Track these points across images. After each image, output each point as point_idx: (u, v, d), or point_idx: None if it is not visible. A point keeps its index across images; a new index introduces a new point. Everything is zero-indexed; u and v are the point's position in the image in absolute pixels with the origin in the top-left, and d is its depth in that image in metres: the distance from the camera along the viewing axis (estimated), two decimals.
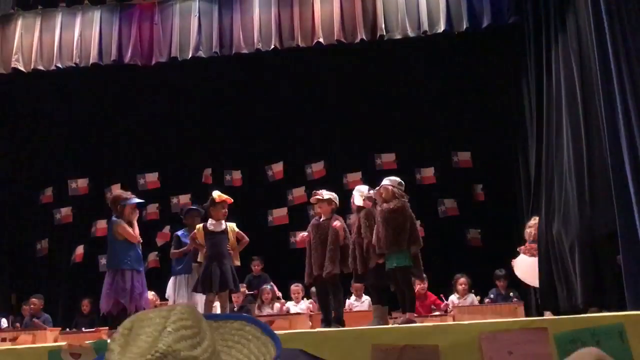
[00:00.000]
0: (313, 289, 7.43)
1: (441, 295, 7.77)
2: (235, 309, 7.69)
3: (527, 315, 6.80)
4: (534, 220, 6.88)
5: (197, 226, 6.43)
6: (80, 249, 9.66)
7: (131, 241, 6.19)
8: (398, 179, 5.85)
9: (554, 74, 6.88)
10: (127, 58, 8.46)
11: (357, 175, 9.16)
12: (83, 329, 7.76)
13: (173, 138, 9.99)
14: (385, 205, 5.65)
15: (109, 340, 1.03)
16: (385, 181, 5.80)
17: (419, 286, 7.40)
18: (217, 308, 6.20)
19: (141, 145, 10.02)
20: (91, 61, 8.44)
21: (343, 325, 5.62)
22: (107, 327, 6.39)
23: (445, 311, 7.33)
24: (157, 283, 7.59)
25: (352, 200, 6.07)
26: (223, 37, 8.38)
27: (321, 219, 6.06)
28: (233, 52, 8.39)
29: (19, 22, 8.60)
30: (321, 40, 8.15)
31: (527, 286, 7.36)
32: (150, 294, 7.12)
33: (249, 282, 8.61)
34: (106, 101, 10.05)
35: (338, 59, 9.24)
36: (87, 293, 8.92)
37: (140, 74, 9.12)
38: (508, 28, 8.12)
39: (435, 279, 7.74)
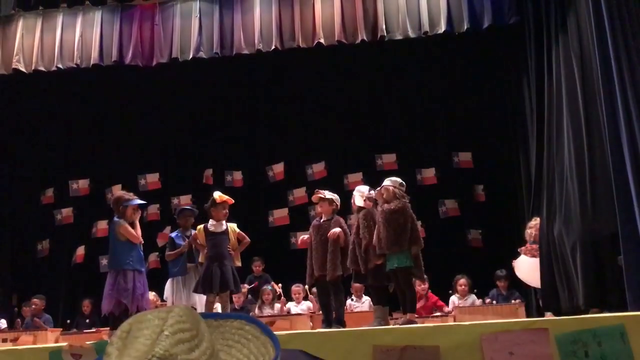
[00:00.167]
0: (314, 289, 7.42)
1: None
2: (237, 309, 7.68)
3: (528, 316, 6.80)
4: (535, 221, 6.88)
5: (198, 227, 6.44)
6: (81, 250, 9.67)
7: (133, 242, 6.19)
8: (399, 180, 5.85)
9: (554, 74, 6.88)
10: (128, 59, 8.47)
11: (358, 175, 9.16)
12: (84, 330, 7.77)
13: (174, 139, 9.99)
14: (386, 205, 5.65)
15: (108, 343, 1.02)
16: (386, 182, 5.79)
17: (420, 287, 7.40)
18: (217, 309, 6.20)
19: (142, 146, 10.02)
20: (92, 62, 8.45)
21: (344, 326, 5.62)
22: (107, 328, 6.40)
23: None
24: (158, 284, 7.59)
25: (352, 201, 6.06)
26: (224, 37, 8.39)
27: (322, 220, 6.07)
28: (234, 52, 8.40)
29: (20, 23, 8.61)
30: (322, 41, 8.16)
31: (528, 287, 7.35)
32: (151, 295, 7.12)
33: (250, 282, 8.61)
34: (107, 102, 10.05)
35: (339, 59, 9.24)
36: (88, 294, 8.93)
37: (141, 75, 9.13)
38: (509, 28, 8.12)
39: (436, 279, 7.74)
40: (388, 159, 9.43)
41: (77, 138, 10.26)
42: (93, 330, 7.43)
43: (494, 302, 7.59)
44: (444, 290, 7.91)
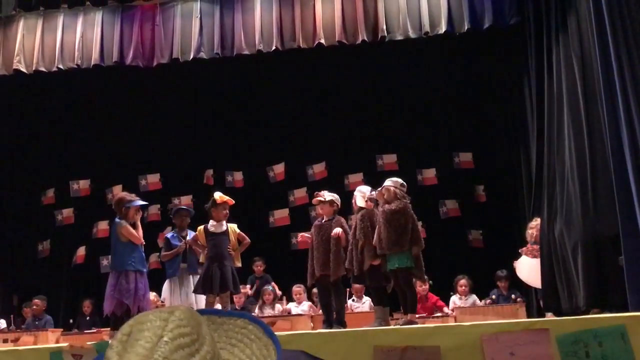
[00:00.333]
0: (314, 290, 7.42)
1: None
2: (237, 310, 7.68)
3: (528, 316, 6.79)
4: (536, 222, 6.87)
5: (199, 228, 6.44)
6: (81, 250, 9.68)
7: (135, 243, 6.20)
8: (400, 180, 5.85)
9: (555, 74, 6.87)
10: (128, 59, 8.47)
11: (359, 176, 9.16)
12: (84, 330, 7.77)
13: (174, 139, 9.99)
14: (387, 206, 5.65)
15: (109, 344, 1.02)
16: (387, 182, 5.79)
17: (421, 287, 7.39)
18: None
19: (142, 146, 10.02)
20: (93, 62, 8.46)
21: (345, 327, 5.62)
22: (108, 328, 6.40)
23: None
24: (158, 284, 7.59)
25: (353, 201, 6.06)
26: (224, 38, 8.39)
27: (323, 220, 6.07)
28: (234, 53, 8.40)
29: (21, 24, 8.61)
30: (322, 41, 8.16)
31: (529, 287, 7.35)
32: (152, 295, 7.12)
33: (252, 283, 8.62)
34: (107, 102, 10.06)
35: (339, 60, 9.24)
36: (89, 294, 8.94)
37: (142, 75, 9.13)
38: (509, 29, 8.12)
39: (437, 280, 7.73)
40: (389, 159, 9.43)
41: (78, 138, 10.27)
42: (94, 330, 7.44)
43: (490, 297, 7.60)
44: (444, 291, 7.90)
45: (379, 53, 9.06)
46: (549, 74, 7.07)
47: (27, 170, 10.21)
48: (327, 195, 6.08)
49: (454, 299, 7.75)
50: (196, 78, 9.56)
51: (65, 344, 4.54)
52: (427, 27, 7.97)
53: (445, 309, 7.59)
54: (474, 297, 7.71)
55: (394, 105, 9.65)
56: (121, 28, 8.52)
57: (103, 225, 9.53)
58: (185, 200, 9.45)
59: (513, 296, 7.47)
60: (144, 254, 6.38)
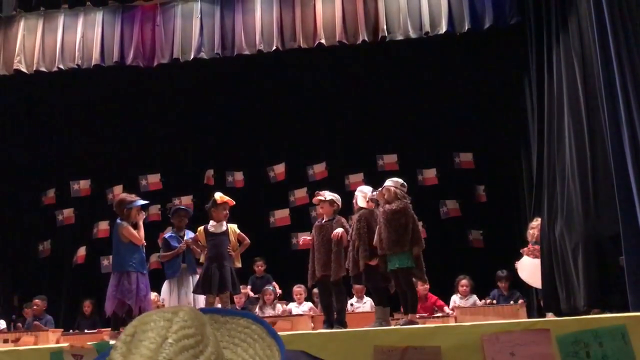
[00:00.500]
0: (314, 290, 7.42)
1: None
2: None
3: (529, 316, 6.79)
4: (537, 221, 6.86)
5: (199, 228, 6.45)
6: (82, 251, 9.68)
7: (136, 243, 6.20)
8: (400, 180, 5.85)
9: (555, 74, 6.87)
10: (129, 59, 8.47)
11: (359, 176, 9.16)
12: (85, 330, 7.77)
13: (175, 139, 10.00)
14: (387, 206, 5.65)
15: (112, 345, 1.01)
16: (388, 182, 5.79)
17: (421, 287, 7.38)
18: None
19: (143, 146, 10.03)
20: (93, 63, 8.46)
21: (345, 327, 5.62)
22: (109, 328, 6.40)
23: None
24: (159, 284, 7.59)
25: (354, 201, 6.06)
26: (225, 38, 8.39)
27: (323, 221, 6.06)
28: (235, 53, 8.40)
29: (22, 24, 8.62)
30: (323, 41, 8.16)
31: (530, 287, 7.34)
32: (153, 295, 7.12)
33: (252, 283, 8.61)
34: (108, 103, 10.06)
35: (340, 60, 9.24)
36: (89, 294, 8.94)
37: (143, 76, 9.14)
38: (510, 29, 8.12)
39: (437, 280, 7.73)
40: (389, 159, 9.43)
41: (78, 138, 10.28)
42: (94, 330, 7.44)
43: (490, 297, 7.60)
44: (444, 291, 7.90)
45: (379, 53, 9.06)
46: (549, 73, 7.07)
47: (27, 170, 10.21)
48: (327, 195, 6.08)
49: (455, 299, 7.75)
50: (197, 78, 9.56)
51: (65, 344, 4.54)
52: (427, 27, 7.97)
53: (445, 309, 7.59)
54: (474, 297, 7.70)
55: (395, 105, 9.64)
56: (122, 28, 8.52)
57: (103, 225, 9.54)
58: (186, 201, 9.46)
59: (520, 301, 7.36)
60: (144, 255, 6.39)
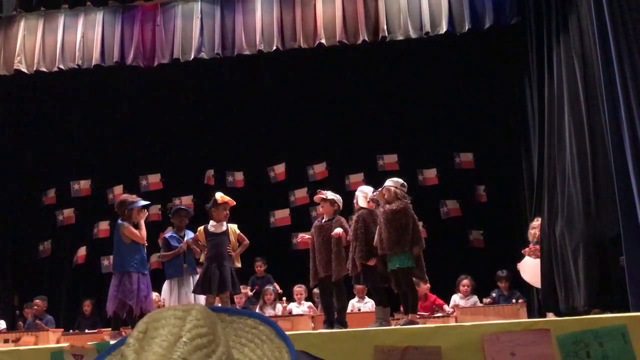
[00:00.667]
0: (315, 290, 7.42)
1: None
2: None
3: (529, 316, 6.79)
4: (538, 221, 6.86)
5: (199, 228, 6.44)
6: (82, 251, 9.68)
7: (138, 243, 6.20)
8: (400, 180, 5.85)
9: (556, 74, 6.87)
10: (129, 60, 8.48)
11: (360, 176, 9.16)
12: (85, 330, 7.77)
13: (175, 139, 10.00)
14: (387, 206, 5.65)
15: (125, 341, 1.00)
16: (388, 182, 5.79)
17: (424, 287, 7.38)
18: None
19: (143, 146, 10.03)
20: (93, 63, 8.46)
21: (345, 327, 5.62)
22: (109, 329, 6.40)
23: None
24: (159, 284, 7.60)
25: (355, 201, 6.06)
26: (225, 38, 8.39)
27: (324, 220, 6.07)
28: (235, 53, 8.40)
29: (22, 24, 8.62)
30: (323, 41, 8.16)
31: (530, 287, 7.34)
32: (154, 295, 7.12)
33: (253, 283, 8.61)
34: (108, 103, 10.06)
35: (340, 60, 9.24)
36: (89, 294, 8.94)
37: (143, 76, 9.14)
38: (510, 29, 8.12)
39: (438, 280, 7.73)
40: (389, 159, 9.43)
41: (79, 138, 10.27)
42: (94, 330, 7.44)
43: (490, 297, 7.59)
44: (445, 291, 7.90)
45: (379, 53, 9.06)
46: (549, 73, 7.07)
47: (27, 170, 10.21)
48: (329, 194, 6.09)
49: (455, 298, 7.75)
50: (197, 78, 9.56)
51: (66, 344, 4.55)
52: (427, 27, 7.97)
53: (445, 307, 7.59)
54: (475, 297, 7.70)
55: (395, 105, 9.65)
56: (122, 28, 8.52)
57: (104, 225, 9.53)
58: (186, 201, 9.45)
59: (521, 301, 7.36)
60: (145, 256, 6.39)
